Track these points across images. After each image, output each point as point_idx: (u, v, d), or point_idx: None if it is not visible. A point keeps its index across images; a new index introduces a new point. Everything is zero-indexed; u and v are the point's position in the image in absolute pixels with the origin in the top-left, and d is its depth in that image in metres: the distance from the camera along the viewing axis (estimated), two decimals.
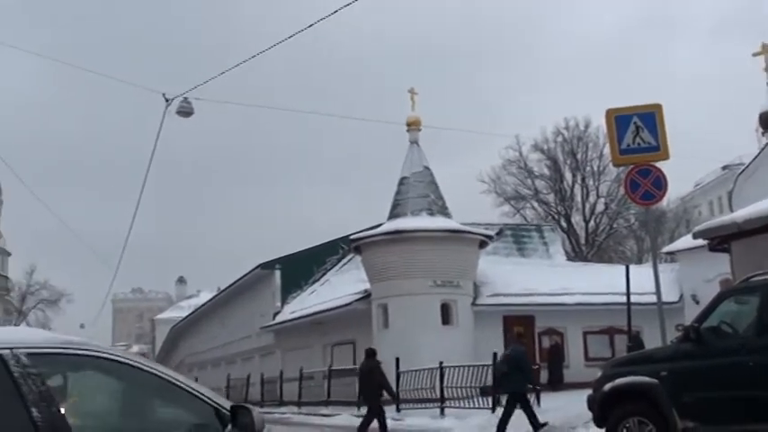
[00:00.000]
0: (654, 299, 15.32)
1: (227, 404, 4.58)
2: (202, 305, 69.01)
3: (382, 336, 33.45)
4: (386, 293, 33.85)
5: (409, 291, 32.69)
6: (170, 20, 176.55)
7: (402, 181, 36.05)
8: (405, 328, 32.07)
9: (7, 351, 3.85)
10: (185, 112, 22.24)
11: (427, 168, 36.19)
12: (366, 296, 35.49)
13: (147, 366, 4.44)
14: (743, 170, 36.91)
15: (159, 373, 4.44)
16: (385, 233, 34.43)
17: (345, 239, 40.47)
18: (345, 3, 15.87)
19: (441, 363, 27.07)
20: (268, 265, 47.14)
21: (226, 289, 58.49)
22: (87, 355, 4.22)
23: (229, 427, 4.47)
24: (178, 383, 4.49)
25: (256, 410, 4.52)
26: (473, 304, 34.30)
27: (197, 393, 4.52)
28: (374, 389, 20.82)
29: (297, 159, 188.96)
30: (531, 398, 20.16)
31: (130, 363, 4.36)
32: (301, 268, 46.71)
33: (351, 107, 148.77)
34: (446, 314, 33.38)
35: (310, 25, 17.76)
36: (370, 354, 21.56)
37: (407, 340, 31.06)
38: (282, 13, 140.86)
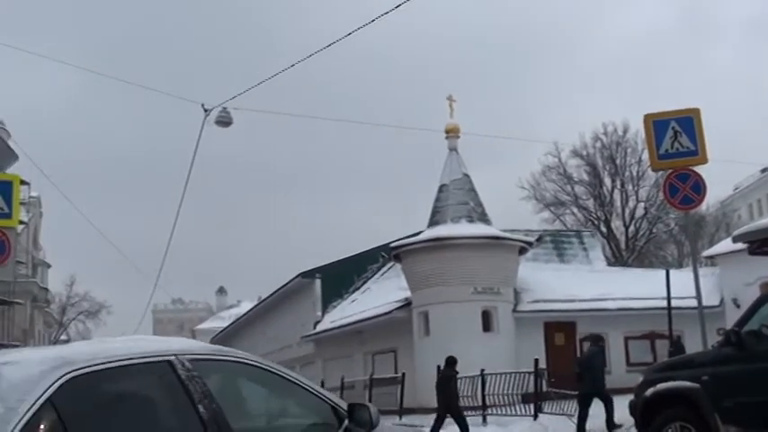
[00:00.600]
0: (694, 303, 15.31)
1: (344, 403, 5.29)
2: (243, 315, 69.41)
3: (423, 344, 33.53)
4: (426, 301, 33.93)
5: (450, 298, 32.75)
6: (211, 30, 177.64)
7: (441, 188, 36.15)
8: (445, 336, 32.03)
9: (173, 357, 4.46)
10: (224, 122, 22.41)
11: (466, 175, 36.27)
12: (407, 304, 35.54)
13: (280, 370, 5.15)
14: None
15: (289, 376, 5.17)
16: (425, 241, 34.52)
17: (385, 247, 40.57)
18: (384, 11, 16.08)
19: (482, 370, 27.03)
20: (308, 275, 47.26)
21: (266, 299, 58.73)
22: (233, 361, 5.00)
23: (346, 422, 5.17)
24: (304, 385, 5.20)
25: (374, 407, 5.13)
26: (514, 311, 34.33)
27: (319, 394, 5.25)
28: (452, 397, 21.10)
29: (336, 167, 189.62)
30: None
31: (266, 367, 5.07)
32: (342, 277, 46.81)
33: (390, 114, 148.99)
34: (487, 321, 33.41)
35: (348, 34, 18.00)
36: (451, 362, 21.69)
37: (448, 348, 30.88)
38: (322, 21, 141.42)
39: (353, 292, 46.95)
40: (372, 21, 16.92)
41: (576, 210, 62.64)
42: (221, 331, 78.16)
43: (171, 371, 4.36)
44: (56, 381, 3.74)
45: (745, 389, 11.04)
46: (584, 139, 61.08)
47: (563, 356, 33.24)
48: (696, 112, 15.27)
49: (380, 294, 40.94)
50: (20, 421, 3.48)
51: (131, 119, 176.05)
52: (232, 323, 74.59)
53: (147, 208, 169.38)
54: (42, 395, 3.64)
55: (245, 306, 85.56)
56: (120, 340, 4.84)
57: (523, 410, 24.76)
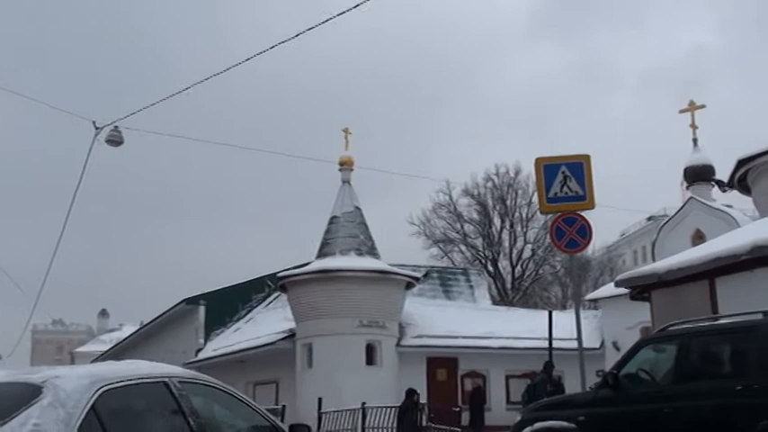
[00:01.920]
0: (575, 344, 15.50)
1: (285, 426, 6.56)
2: (124, 339, 67.99)
3: (306, 375, 33.33)
4: (311, 333, 33.74)
5: (335, 330, 32.64)
6: (109, 48, 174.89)
7: (332, 220, 36.12)
8: (329, 369, 31.97)
9: (167, 379, 5.49)
10: (115, 141, 21.81)
11: (358, 208, 36.33)
12: (291, 335, 35.30)
13: (237, 393, 6.29)
14: (666, 221, 37.55)
15: (241, 397, 6.31)
16: (312, 272, 34.39)
17: (272, 277, 40.21)
18: (285, 38, 16.05)
19: (363, 403, 27.03)
20: (192, 301, 46.38)
21: (149, 323, 57.52)
22: (205, 384, 6.04)
23: None
24: (251, 405, 6.36)
25: (313, 429, 5.76)
26: (398, 345, 34.40)
27: (266, 415, 6.40)
28: (409, 426, 22.22)
29: (225, 194, 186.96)
30: None
31: (228, 390, 6.18)
32: (226, 305, 46.08)
33: (284, 143, 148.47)
34: (370, 355, 33.41)
35: (248, 59, 17.87)
36: (410, 393, 23.82)
37: (331, 380, 30.96)
38: (222, 45, 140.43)
39: (238, 320, 46.28)
40: (272, 47, 16.86)
41: (464, 248, 63.10)
42: (102, 355, 76.35)
43: (167, 390, 5.38)
44: (96, 391, 4.76)
45: (621, 430, 11.22)
46: (476, 178, 61.82)
47: (444, 392, 33.49)
48: (586, 158, 15.48)
49: (265, 324, 40.55)
50: (77, 421, 4.49)
51: (18, 132, 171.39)
52: (113, 347, 73.00)
53: (31, 225, 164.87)
54: (89, 402, 4.66)
55: (128, 330, 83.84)
56: (123, 364, 5.90)
57: None
